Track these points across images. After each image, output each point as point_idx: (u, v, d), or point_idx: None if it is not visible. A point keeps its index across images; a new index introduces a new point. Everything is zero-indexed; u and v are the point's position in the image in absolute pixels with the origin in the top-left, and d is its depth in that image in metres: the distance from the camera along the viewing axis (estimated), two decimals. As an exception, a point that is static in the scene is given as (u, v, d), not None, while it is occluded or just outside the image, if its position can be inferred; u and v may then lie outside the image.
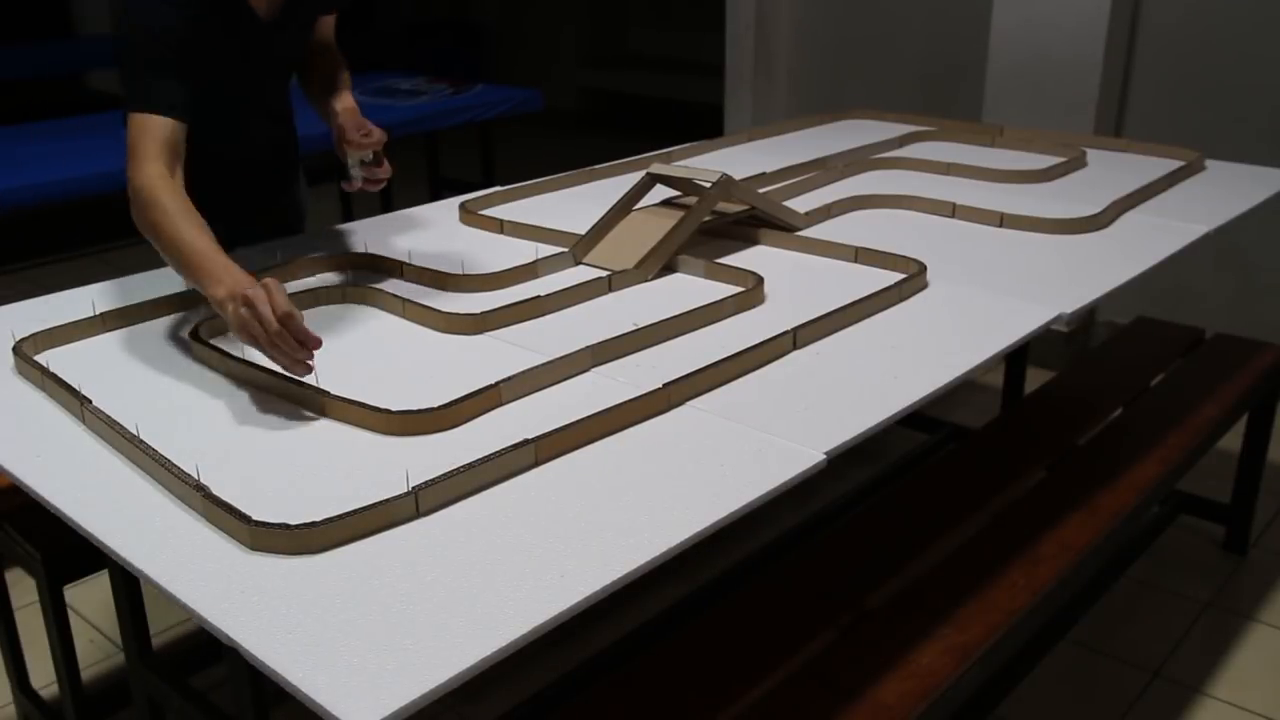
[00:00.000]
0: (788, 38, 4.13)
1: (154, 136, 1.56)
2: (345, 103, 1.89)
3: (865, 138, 2.67)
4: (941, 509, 1.86)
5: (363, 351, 1.51)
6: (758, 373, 1.42)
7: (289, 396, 1.35)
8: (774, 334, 1.47)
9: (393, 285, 1.72)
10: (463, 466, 1.14)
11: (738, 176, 1.98)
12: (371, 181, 1.81)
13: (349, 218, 3.78)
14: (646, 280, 1.76)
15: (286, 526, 1.04)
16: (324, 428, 1.28)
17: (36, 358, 1.45)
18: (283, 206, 2.09)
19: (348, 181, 1.82)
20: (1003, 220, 2.02)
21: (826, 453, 1.21)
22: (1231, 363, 2.44)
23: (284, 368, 1.33)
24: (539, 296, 1.62)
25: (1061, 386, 2.40)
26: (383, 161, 1.81)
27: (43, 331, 1.52)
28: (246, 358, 1.41)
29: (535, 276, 1.77)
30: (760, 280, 1.67)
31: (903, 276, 1.70)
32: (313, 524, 1.04)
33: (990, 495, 1.91)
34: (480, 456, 1.16)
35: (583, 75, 7.77)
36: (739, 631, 1.54)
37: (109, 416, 1.25)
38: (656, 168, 1.95)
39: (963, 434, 2.88)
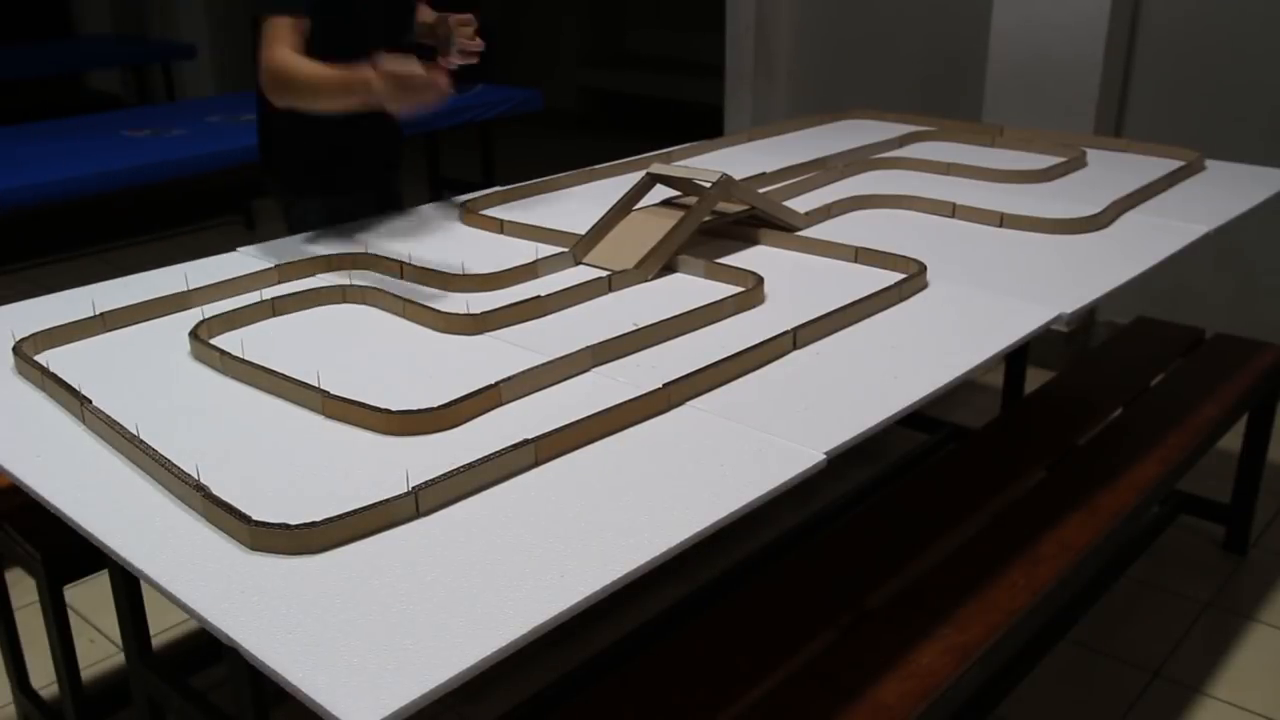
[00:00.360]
0: (788, 38, 4.13)
1: (284, 30, 1.85)
2: (424, 9, 2.24)
3: (865, 138, 2.67)
4: (941, 509, 1.86)
5: (363, 351, 1.51)
6: (758, 373, 1.42)
7: (289, 396, 1.35)
8: (774, 334, 1.47)
9: (393, 285, 1.72)
10: (463, 466, 1.14)
11: (738, 176, 1.98)
12: (469, 52, 2.07)
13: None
14: (646, 280, 1.76)
15: (286, 526, 1.04)
16: (324, 428, 1.28)
17: (36, 358, 1.45)
18: (388, 182, 2.31)
19: (445, 58, 2.05)
20: (1003, 220, 2.02)
21: (826, 453, 1.21)
22: (1231, 363, 2.44)
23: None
24: (539, 296, 1.62)
25: (1061, 386, 2.40)
26: (476, 35, 2.09)
27: (43, 331, 1.52)
28: (246, 358, 1.41)
29: (535, 276, 1.77)
30: (760, 280, 1.67)
31: (903, 276, 1.70)
32: (313, 524, 1.04)
33: (990, 495, 1.91)
34: (480, 456, 1.16)
35: (583, 75, 7.77)
36: (739, 631, 1.54)
37: (109, 416, 1.25)
38: (656, 168, 1.95)
39: (963, 434, 2.88)
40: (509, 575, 1.00)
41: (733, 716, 1.37)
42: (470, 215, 2.08)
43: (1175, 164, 2.40)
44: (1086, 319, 3.55)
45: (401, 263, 1.77)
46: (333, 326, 1.60)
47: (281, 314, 1.64)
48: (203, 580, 1.00)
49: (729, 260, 1.81)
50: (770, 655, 1.49)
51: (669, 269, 1.80)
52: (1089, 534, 1.79)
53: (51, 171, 3.19)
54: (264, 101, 2.09)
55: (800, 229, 2.00)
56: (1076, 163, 2.44)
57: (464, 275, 1.71)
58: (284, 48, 1.84)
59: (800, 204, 2.09)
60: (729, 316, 1.60)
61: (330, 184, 2.14)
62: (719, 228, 1.94)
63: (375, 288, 1.68)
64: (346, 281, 1.74)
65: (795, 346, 1.48)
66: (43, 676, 2.05)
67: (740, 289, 1.67)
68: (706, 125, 4.04)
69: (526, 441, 1.18)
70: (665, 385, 1.32)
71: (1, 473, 1.23)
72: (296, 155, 2.14)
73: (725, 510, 1.10)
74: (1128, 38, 3.31)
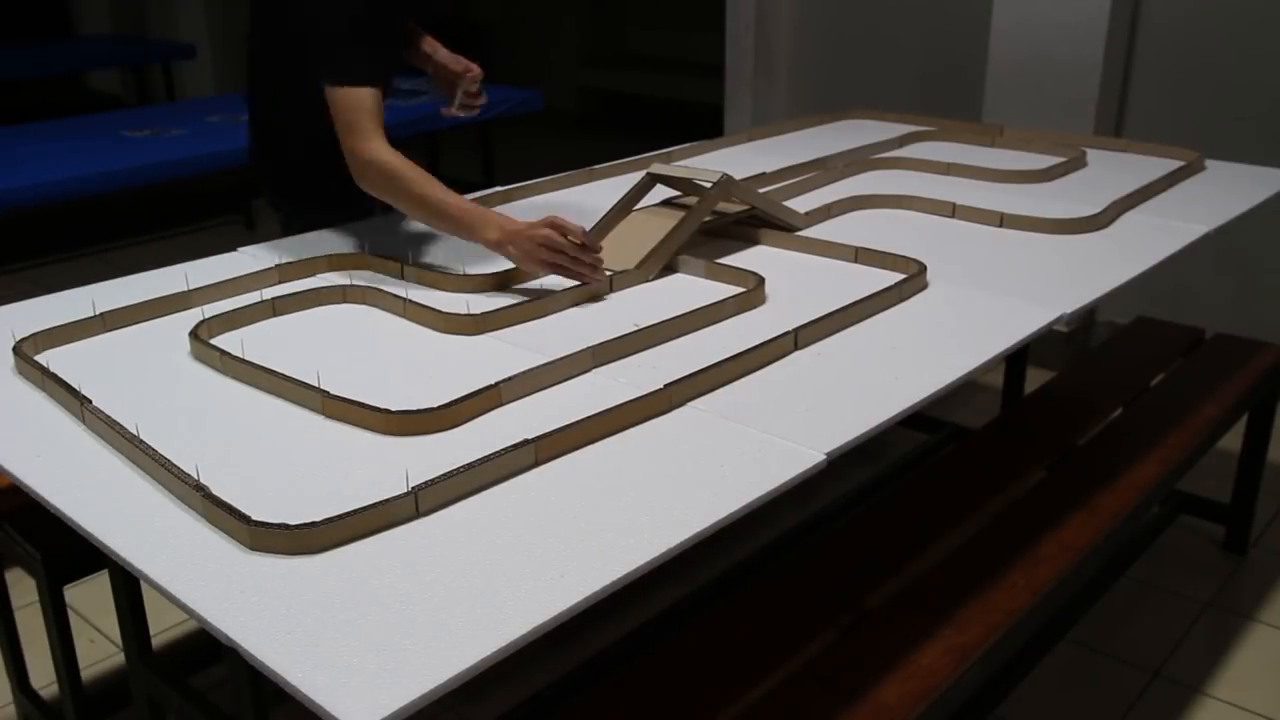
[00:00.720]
0: (788, 38, 4.13)
1: (370, 109, 1.72)
2: (435, 44, 2.12)
3: (865, 138, 2.67)
4: (941, 509, 1.86)
5: (363, 351, 1.51)
6: (758, 373, 1.42)
7: (289, 396, 1.35)
8: (775, 334, 1.47)
9: (393, 285, 1.72)
10: (463, 466, 1.14)
11: (738, 176, 1.98)
12: (470, 107, 2.08)
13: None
14: (647, 280, 1.76)
15: (286, 526, 1.04)
16: (324, 428, 1.28)
17: (36, 358, 1.45)
18: None
19: (447, 107, 2.08)
20: (1003, 220, 2.02)
21: (827, 453, 1.21)
22: (1231, 363, 2.44)
23: (582, 279, 1.64)
24: (539, 296, 1.62)
25: (1061, 386, 2.40)
26: (481, 92, 2.08)
27: (43, 331, 1.52)
28: (246, 358, 1.41)
29: (535, 277, 1.77)
30: (761, 280, 1.67)
31: (903, 277, 1.70)
32: (313, 524, 1.04)
33: (990, 495, 1.91)
34: (480, 456, 1.16)
35: (583, 75, 7.77)
36: (739, 631, 1.54)
37: (109, 416, 1.25)
38: (656, 168, 1.95)
39: (963, 434, 2.88)
40: (509, 575, 1.00)
41: (733, 717, 1.37)
42: (470, 215, 2.08)
43: (1175, 164, 2.40)
44: (1086, 319, 3.55)
45: (401, 263, 1.77)
46: (333, 326, 1.60)
47: (281, 314, 1.64)
48: (203, 580, 1.00)
49: (729, 260, 1.81)
50: (770, 655, 1.48)
51: (669, 269, 1.80)
52: (1089, 534, 1.79)
53: (51, 171, 3.19)
54: (257, 110, 2.05)
55: (800, 229, 2.00)
56: (1076, 163, 2.44)
57: (464, 275, 1.71)
58: (384, 142, 1.71)
59: (800, 204, 2.09)
60: (730, 317, 1.60)
61: (328, 197, 2.02)
62: (719, 228, 1.94)
63: (375, 288, 1.68)
64: (346, 281, 1.74)
65: (796, 347, 1.48)
66: (43, 676, 2.05)
67: (741, 289, 1.67)
68: (706, 125, 4.04)
69: (526, 441, 1.18)
70: (666, 386, 1.32)
71: (1, 473, 1.23)
72: (293, 169, 2.07)
73: (725, 510, 1.10)
74: (1128, 37, 3.31)
